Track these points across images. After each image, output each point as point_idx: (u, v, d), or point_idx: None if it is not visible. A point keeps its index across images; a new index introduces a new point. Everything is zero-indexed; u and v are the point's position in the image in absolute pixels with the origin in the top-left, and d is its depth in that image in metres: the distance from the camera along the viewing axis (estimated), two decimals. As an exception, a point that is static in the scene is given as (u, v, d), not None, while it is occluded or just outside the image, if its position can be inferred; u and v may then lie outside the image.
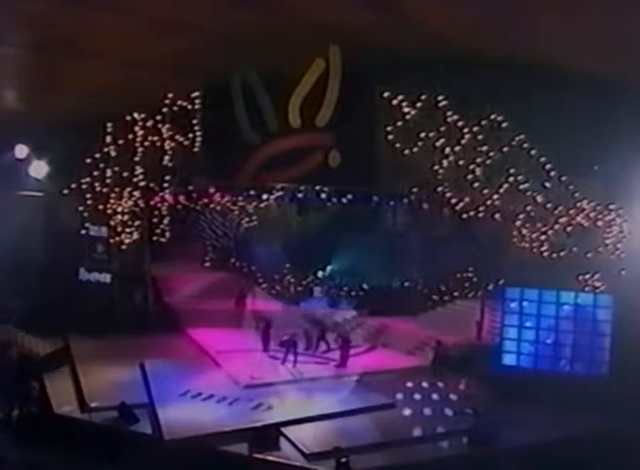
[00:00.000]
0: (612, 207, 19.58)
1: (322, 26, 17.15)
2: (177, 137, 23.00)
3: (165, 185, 23.11)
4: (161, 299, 24.43)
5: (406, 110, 20.90)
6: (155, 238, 24.70)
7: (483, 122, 20.33)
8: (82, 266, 23.04)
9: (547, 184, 20.06)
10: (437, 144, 20.79)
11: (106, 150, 22.70)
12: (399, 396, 17.35)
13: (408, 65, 20.14)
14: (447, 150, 20.76)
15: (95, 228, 23.05)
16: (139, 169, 22.89)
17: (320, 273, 25.48)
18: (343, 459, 13.27)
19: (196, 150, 23.09)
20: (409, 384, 18.27)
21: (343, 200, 22.05)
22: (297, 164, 21.52)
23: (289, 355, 19.42)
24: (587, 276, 19.57)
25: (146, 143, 22.81)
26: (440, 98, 20.58)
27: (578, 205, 19.91)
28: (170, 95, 22.52)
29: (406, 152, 20.94)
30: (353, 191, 21.88)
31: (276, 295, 25.73)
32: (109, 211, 23.11)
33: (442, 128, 20.71)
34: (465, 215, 21.58)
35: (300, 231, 24.70)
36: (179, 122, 22.93)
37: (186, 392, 17.00)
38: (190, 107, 22.90)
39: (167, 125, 22.92)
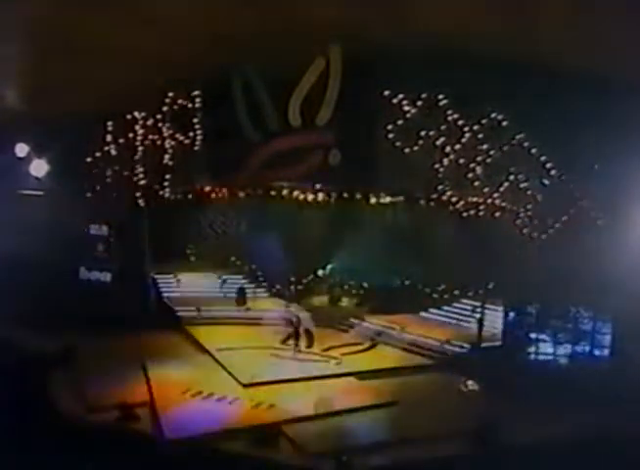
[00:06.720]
0: (612, 206, 19.56)
1: (322, 25, 17.15)
2: (177, 136, 23.04)
3: (166, 184, 23.17)
4: (162, 297, 24.47)
5: (406, 108, 20.93)
6: (155, 237, 24.73)
7: (484, 121, 20.35)
8: (83, 265, 23.11)
9: (547, 183, 20.07)
10: (438, 143, 20.81)
11: (106, 149, 22.73)
12: (399, 395, 17.37)
13: (408, 64, 20.17)
14: (448, 149, 20.79)
15: (95, 227, 23.09)
16: (139, 168, 22.93)
17: (321, 272, 25.49)
18: (344, 459, 13.31)
19: (196, 149, 23.14)
20: (409, 383, 18.31)
21: (343, 198, 22.12)
22: (297, 162, 21.58)
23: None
24: (587, 275, 19.56)
25: (146, 142, 22.85)
26: (441, 97, 20.58)
27: (579, 204, 19.90)
28: (170, 94, 22.56)
29: (407, 151, 20.97)
30: (353, 190, 21.93)
31: (277, 293, 25.79)
32: (109, 210, 23.17)
33: (443, 127, 20.72)
34: (465, 214, 21.64)
35: (301, 230, 24.67)
36: (179, 121, 22.97)
37: (186, 391, 17.03)
38: (190, 106, 22.94)
39: (168, 124, 22.97)
